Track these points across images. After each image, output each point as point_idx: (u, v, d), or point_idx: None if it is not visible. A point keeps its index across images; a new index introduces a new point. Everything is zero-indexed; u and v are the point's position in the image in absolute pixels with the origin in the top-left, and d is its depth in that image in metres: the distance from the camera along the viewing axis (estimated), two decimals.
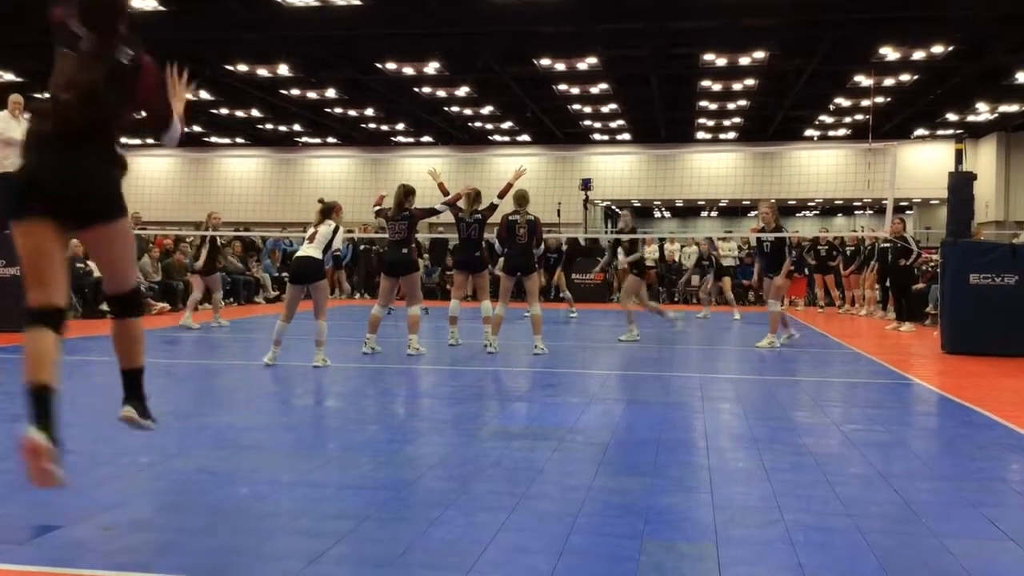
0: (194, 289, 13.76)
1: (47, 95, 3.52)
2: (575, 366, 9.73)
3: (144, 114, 3.82)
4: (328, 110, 26.74)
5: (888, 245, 14.32)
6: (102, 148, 3.56)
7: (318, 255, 8.83)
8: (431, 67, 21.01)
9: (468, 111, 26.78)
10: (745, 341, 12.36)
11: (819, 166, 25.93)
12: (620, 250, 14.99)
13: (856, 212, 42.87)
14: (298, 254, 9.02)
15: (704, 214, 46.57)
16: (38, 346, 3.31)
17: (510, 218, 10.39)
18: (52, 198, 3.40)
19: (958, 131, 28.03)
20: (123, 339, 3.78)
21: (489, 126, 29.45)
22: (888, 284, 15.48)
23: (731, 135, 30.29)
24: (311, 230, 8.99)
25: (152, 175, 30.65)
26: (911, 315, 14.14)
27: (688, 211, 45.33)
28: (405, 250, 9.83)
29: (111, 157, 3.61)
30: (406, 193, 9.98)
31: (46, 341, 3.33)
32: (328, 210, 9.07)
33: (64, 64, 3.50)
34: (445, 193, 10.60)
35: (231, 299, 18.53)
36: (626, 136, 30.82)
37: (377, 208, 10.62)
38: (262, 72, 21.53)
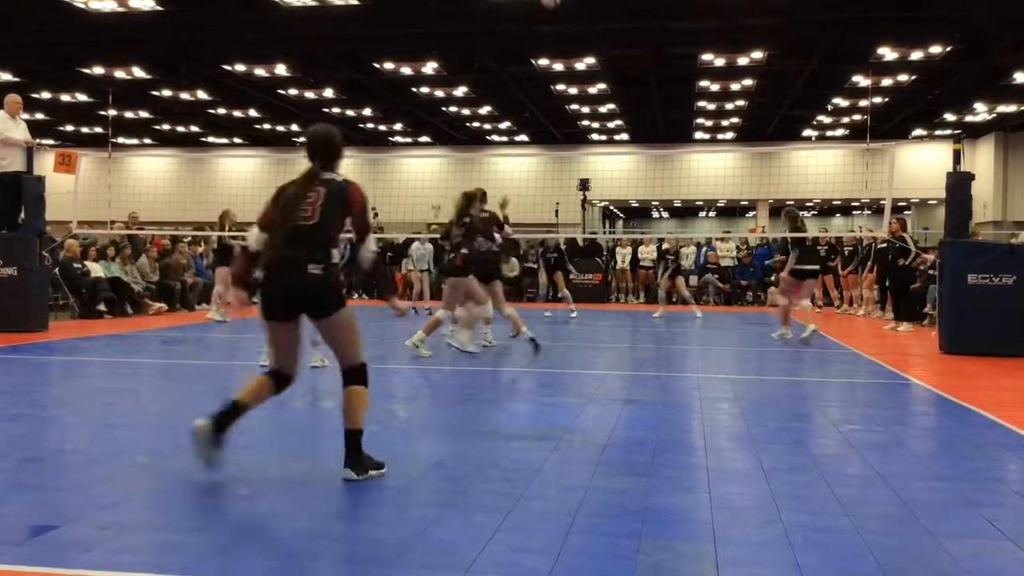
0: (217, 282, 14.27)
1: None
2: (573, 366, 9.73)
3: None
4: (326, 110, 26.72)
5: (885, 245, 14.33)
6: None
7: None
8: (429, 67, 21.00)
9: (466, 111, 26.76)
10: (743, 342, 12.37)
11: (817, 166, 25.92)
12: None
13: (854, 212, 42.87)
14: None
15: (702, 214, 46.56)
16: (256, 388, 4.59)
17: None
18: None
19: (956, 131, 28.02)
20: (348, 401, 4.50)
21: (487, 126, 29.44)
22: (887, 284, 15.49)
23: (729, 135, 30.29)
24: None
25: (150, 176, 30.64)
26: (909, 315, 14.14)
27: (686, 211, 45.31)
28: (452, 255, 9.79)
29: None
30: (470, 200, 9.84)
31: (264, 386, 4.58)
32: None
33: None
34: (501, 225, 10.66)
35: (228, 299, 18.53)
36: (624, 136, 30.82)
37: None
38: (260, 72, 21.51)
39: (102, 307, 14.56)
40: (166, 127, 29.90)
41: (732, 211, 42.79)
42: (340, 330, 4.47)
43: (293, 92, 23.97)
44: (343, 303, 4.50)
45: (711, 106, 25.34)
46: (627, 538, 3.55)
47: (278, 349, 4.57)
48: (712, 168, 28.81)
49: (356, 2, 16.08)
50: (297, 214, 4.40)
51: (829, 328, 14.38)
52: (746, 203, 35.57)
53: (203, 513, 3.87)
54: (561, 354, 10.56)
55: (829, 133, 29.71)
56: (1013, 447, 5.52)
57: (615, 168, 29.24)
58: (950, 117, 26.59)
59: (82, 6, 16.27)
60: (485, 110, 26.51)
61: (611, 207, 39.35)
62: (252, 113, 27.09)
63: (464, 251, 9.60)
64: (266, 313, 4.45)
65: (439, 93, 24.13)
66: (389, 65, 20.92)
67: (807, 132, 29.50)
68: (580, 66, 20.71)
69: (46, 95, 24.46)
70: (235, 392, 4.51)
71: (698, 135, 30.16)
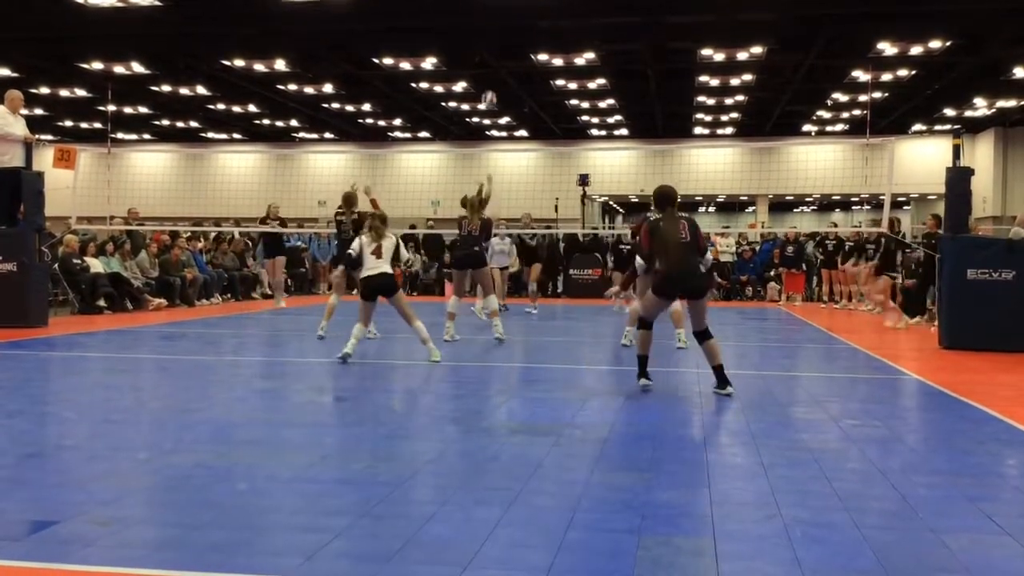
0: (269, 273, 16.45)
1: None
2: (572, 361, 9.73)
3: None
4: (325, 105, 26.70)
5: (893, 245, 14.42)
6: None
7: (390, 269, 8.87)
8: (428, 62, 20.99)
9: (465, 106, 26.74)
10: (742, 337, 12.37)
11: (817, 161, 25.94)
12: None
13: (854, 207, 42.89)
14: (372, 272, 8.80)
15: (702, 209, 46.60)
16: (646, 338, 7.22)
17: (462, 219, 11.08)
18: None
19: (955, 126, 28.02)
20: (710, 349, 7.04)
21: (487, 121, 29.43)
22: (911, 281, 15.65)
23: (729, 130, 30.29)
24: (372, 244, 8.85)
25: (149, 171, 30.63)
26: (908, 310, 14.16)
27: (685, 206, 45.17)
28: (476, 248, 10.76)
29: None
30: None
31: (649, 336, 7.26)
32: (384, 220, 9.21)
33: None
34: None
35: (228, 295, 18.52)
36: (624, 131, 30.81)
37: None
38: (259, 67, 21.49)
39: (102, 303, 14.55)
40: (165, 122, 29.87)
41: (731, 206, 42.79)
42: (703, 307, 7.07)
43: (292, 87, 23.95)
44: (708, 289, 7.45)
45: (710, 101, 25.33)
46: (627, 533, 3.56)
47: (656, 311, 7.29)
48: (711, 163, 28.81)
49: None
50: (678, 237, 6.97)
51: (827, 323, 14.38)
52: (746, 198, 35.54)
53: (203, 509, 3.87)
54: (560, 349, 10.56)
55: (828, 128, 29.70)
56: (1012, 442, 5.53)
57: (614, 163, 29.23)
58: (950, 112, 26.57)
59: (81, 1, 16.24)
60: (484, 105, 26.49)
61: (611, 202, 39.34)
62: (251, 108, 27.06)
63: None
64: (662, 295, 7.12)
65: (438, 88, 24.11)
66: (388, 60, 20.90)
67: (807, 127, 29.49)
68: (579, 61, 20.70)
69: (45, 90, 24.43)
70: (636, 348, 7.28)
71: (697, 130, 30.16)
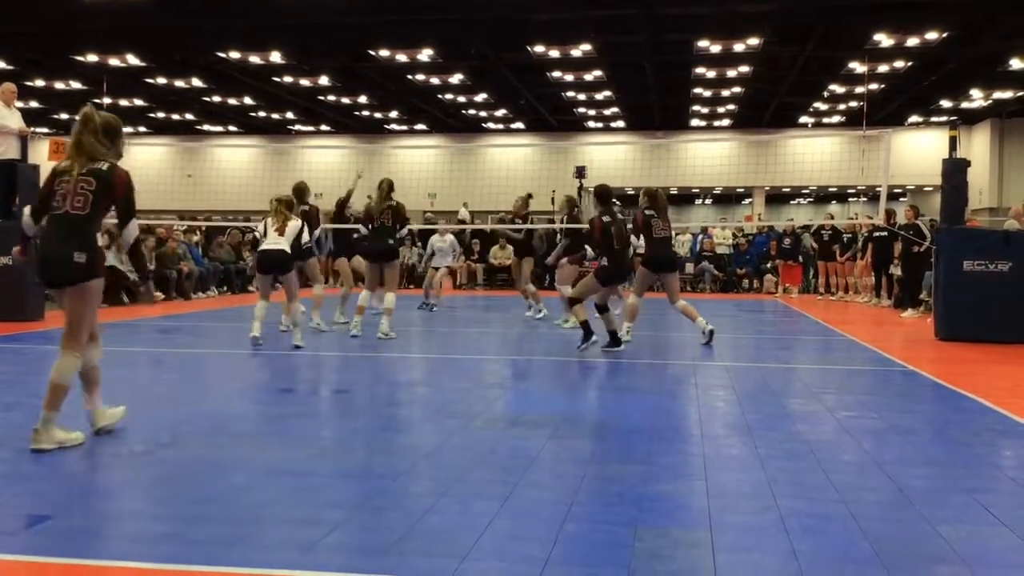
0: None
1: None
2: (569, 354, 9.73)
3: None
4: (321, 98, 26.65)
5: (886, 233, 14.39)
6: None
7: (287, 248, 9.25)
8: (424, 54, 20.94)
9: (462, 98, 26.70)
10: (738, 329, 12.37)
11: (813, 153, 25.94)
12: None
13: (850, 199, 42.89)
14: (270, 247, 9.26)
15: (698, 201, 46.56)
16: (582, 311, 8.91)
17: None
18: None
19: (952, 118, 28.02)
20: (606, 320, 8.97)
21: (483, 113, 29.37)
22: (892, 271, 15.66)
23: (725, 122, 30.28)
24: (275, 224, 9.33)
25: (145, 164, 30.54)
26: (916, 302, 14.24)
27: (682, 199, 45.23)
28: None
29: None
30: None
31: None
32: (290, 205, 9.74)
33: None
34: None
35: (225, 288, 18.50)
36: (620, 123, 30.78)
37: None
38: (254, 59, 21.43)
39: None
40: (161, 115, 29.81)
41: (728, 198, 42.77)
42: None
43: (288, 79, 23.89)
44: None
45: (707, 93, 25.32)
46: (624, 525, 3.56)
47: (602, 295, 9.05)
48: (708, 155, 28.81)
49: None
50: (626, 235, 9.00)
51: (824, 315, 14.39)
52: (742, 190, 35.54)
53: (199, 502, 3.86)
54: (556, 342, 10.56)
55: (825, 120, 29.71)
56: (1008, 433, 5.54)
57: (611, 156, 29.19)
58: (946, 104, 26.60)
59: None
60: (481, 97, 26.45)
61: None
62: (247, 101, 27.00)
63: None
64: (615, 282, 9.23)
65: (435, 80, 24.07)
66: (384, 52, 20.85)
67: (803, 119, 29.49)
68: (576, 53, 20.67)
69: (40, 83, 24.36)
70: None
71: (694, 122, 30.15)
